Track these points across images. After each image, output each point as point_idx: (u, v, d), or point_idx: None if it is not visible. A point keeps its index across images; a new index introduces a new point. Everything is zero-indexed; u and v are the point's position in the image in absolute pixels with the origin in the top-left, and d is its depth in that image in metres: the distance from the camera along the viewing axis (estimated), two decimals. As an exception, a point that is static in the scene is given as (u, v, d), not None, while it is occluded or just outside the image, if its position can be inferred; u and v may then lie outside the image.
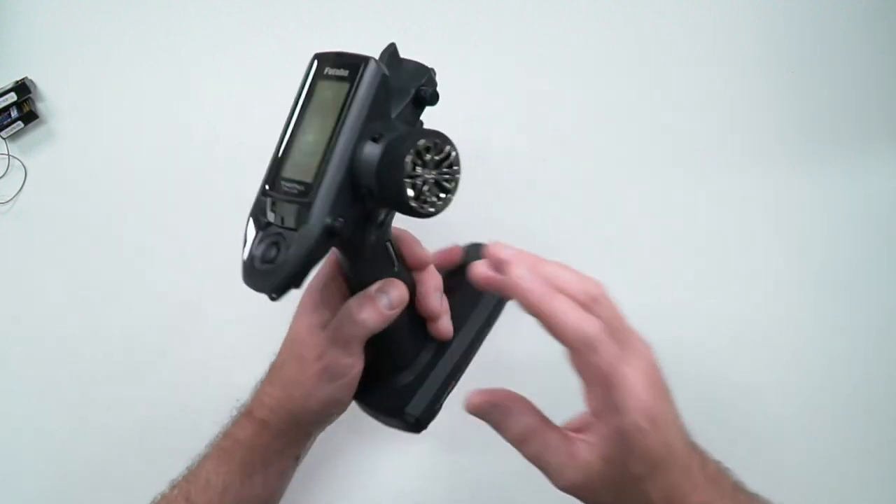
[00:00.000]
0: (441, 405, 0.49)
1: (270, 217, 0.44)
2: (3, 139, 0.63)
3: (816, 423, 0.65)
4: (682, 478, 0.39)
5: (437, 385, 0.48)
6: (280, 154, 0.44)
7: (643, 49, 0.64)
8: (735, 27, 0.64)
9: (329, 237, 0.41)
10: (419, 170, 0.41)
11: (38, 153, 0.64)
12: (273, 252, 0.43)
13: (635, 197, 0.65)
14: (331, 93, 0.43)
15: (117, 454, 0.65)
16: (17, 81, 0.62)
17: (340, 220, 0.41)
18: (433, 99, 0.45)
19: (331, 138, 0.41)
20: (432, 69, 0.46)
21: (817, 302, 0.65)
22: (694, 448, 0.42)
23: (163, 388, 0.65)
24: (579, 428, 0.41)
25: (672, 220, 0.65)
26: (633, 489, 0.39)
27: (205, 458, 0.51)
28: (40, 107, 0.64)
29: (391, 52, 0.46)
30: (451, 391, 0.49)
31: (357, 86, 0.41)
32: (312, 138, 0.43)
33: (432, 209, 0.42)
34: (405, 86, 0.45)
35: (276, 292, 0.43)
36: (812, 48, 0.64)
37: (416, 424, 0.48)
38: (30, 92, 0.63)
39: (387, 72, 0.42)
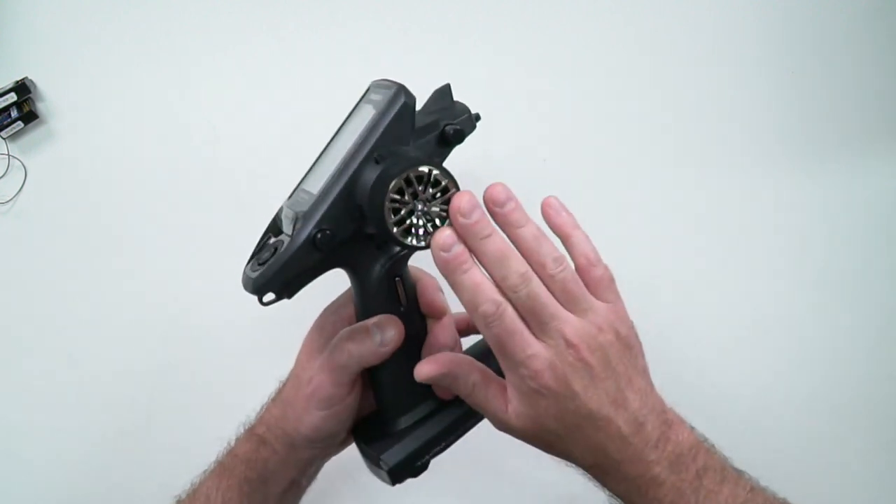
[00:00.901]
0: (425, 463, 0.47)
1: (283, 225, 0.45)
2: (3, 139, 0.63)
3: (817, 423, 0.65)
4: (616, 447, 0.42)
5: (421, 440, 0.47)
6: (309, 168, 0.46)
7: (643, 49, 0.64)
8: (735, 27, 0.64)
9: (312, 246, 0.42)
10: (408, 197, 0.41)
11: (38, 153, 0.64)
12: (267, 255, 0.43)
13: (635, 197, 0.65)
14: (362, 114, 0.44)
15: (116, 459, 0.65)
16: (17, 81, 0.62)
17: (327, 231, 0.42)
18: (455, 137, 0.45)
19: (344, 155, 0.42)
20: (476, 114, 0.47)
21: (817, 302, 0.65)
22: (648, 425, 0.43)
23: (164, 389, 0.65)
24: (506, 382, 0.44)
25: (672, 220, 0.65)
26: (554, 443, 0.43)
27: (208, 474, 0.51)
28: (40, 107, 0.64)
29: (443, 90, 0.47)
30: (439, 452, 0.47)
31: (379, 109, 0.42)
32: (333, 155, 0.44)
33: (418, 242, 0.42)
34: (437, 121, 0.45)
35: (257, 293, 0.43)
36: (812, 48, 0.64)
37: (390, 474, 0.46)
38: (30, 92, 0.63)
39: (410, 101, 0.42)
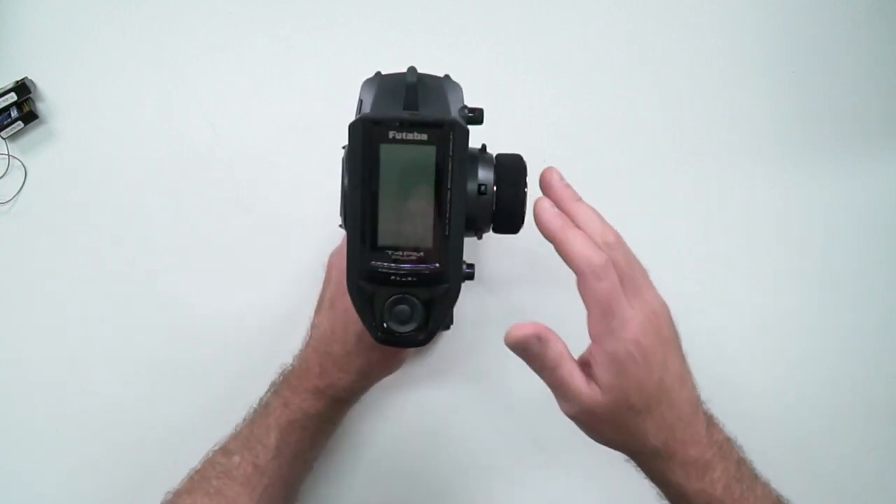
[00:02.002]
0: None
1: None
2: (3, 139, 0.63)
3: (817, 423, 0.65)
4: (682, 427, 0.43)
5: None
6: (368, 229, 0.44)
7: (643, 49, 0.64)
8: (735, 27, 0.64)
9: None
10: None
11: (38, 153, 0.64)
12: (412, 312, 0.45)
13: (635, 197, 0.65)
14: (413, 156, 0.43)
15: (119, 459, 0.65)
16: (17, 81, 0.62)
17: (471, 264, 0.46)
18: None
19: (437, 202, 0.43)
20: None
21: (818, 302, 0.65)
22: (701, 410, 0.45)
23: (164, 389, 0.65)
24: (586, 361, 0.44)
25: (672, 220, 0.65)
26: (631, 423, 0.43)
27: (268, 428, 0.54)
28: (40, 107, 0.64)
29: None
30: None
31: (452, 149, 0.43)
32: (411, 204, 0.43)
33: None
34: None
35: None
36: (812, 48, 0.64)
37: None
38: (30, 92, 0.63)
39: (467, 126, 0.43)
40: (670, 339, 0.44)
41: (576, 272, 0.42)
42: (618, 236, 0.44)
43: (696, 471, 0.44)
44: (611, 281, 0.42)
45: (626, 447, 0.46)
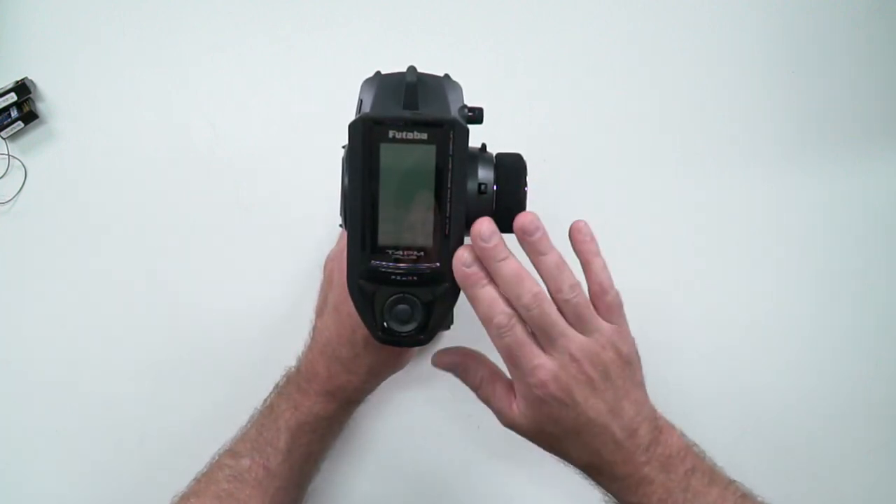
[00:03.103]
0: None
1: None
2: (3, 139, 0.63)
3: (817, 423, 0.65)
4: (610, 450, 0.46)
5: None
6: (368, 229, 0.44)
7: (643, 49, 0.64)
8: (735, 27, 0.64)
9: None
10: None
11: (38, 153, 0.64)
12: (413, 311, 0.46)
13: (635, 197, 0.65)
14: (413, 156, 0.43)
15: (119, 460, 0.65)
16: (17, 81, 0.62)
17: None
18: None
19: (437, 201, 0.43)
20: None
21: (818, 301, 0.65)
22: (642, 429, 0.47)
23: (164, 389, 0.65)
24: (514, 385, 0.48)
25: (672, 220, 0.65)
26: (554, 444, 0.48)
27: (278, 431, 0.55)
28: (40, 107, 0.64)
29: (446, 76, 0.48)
30: None
31: (452, 148, 0.43)
32: (411, 204, 0.44)
33: None
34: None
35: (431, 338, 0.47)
36: (812, 48, 0.64)
37: None
38: (30, 92, 0.63)
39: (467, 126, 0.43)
40: (599, 379, 0.45)
41: (485, 328, 0.46)
42: (535, 296, 0.45)
43: (629, 485, 0.47)
44: (513, 337, 0.45)
45: (560, 457, 0.49)
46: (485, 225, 0.44)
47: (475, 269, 0.45)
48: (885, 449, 0.65)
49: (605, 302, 0.47)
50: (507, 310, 0.45)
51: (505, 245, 0.45)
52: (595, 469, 0.48)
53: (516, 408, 0.47)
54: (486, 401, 0.49)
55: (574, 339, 0.45)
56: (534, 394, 0.45)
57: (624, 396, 0.47)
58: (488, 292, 0.45)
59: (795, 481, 0.65)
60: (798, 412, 0.65)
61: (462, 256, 0.45)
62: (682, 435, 0.50)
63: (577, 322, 0.46)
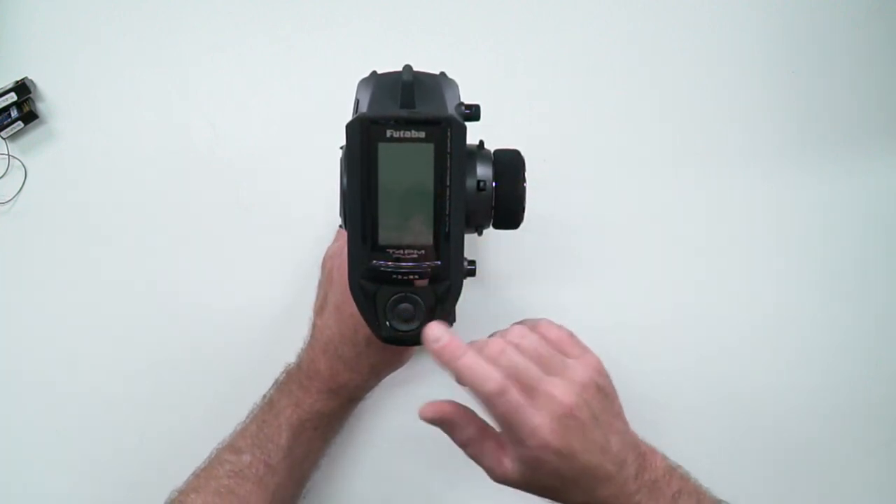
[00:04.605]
0: None
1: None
2: (3, 139, 0.63)
3: (817, 424, 0.65)
4: (604, 486, 0.45)
5: None
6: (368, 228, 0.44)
7: (643, 49, 0.64)
8: (735, 27, 0.64)
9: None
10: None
11: (38, 153, 0.64)
12: (415, 309, 0.45)
13: (635, 197, 0.65)
14: (411, 155, 0.43)
15: (119, 458, 0.65)
16: (17, 81, 0.62)
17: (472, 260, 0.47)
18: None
19: (437, 199, 0.43)
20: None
21: (818, 302, 0.65)
22: (629, 459, 0.46)
23: (164, 388, 0.65)
24: (505, 443, 0.46)
25: (672, 220, 0.65)
26: (549, 493, 0.46)
27: (279, 427, 0.54)
28: (40, 107, 0.64)
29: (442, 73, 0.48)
30: None
31: (450, 146, 0.42)
32: (410, 203, 0.44)
33: None
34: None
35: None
36: (812, 48, 0.64)
37: None
38: (30, 92, 0.63)
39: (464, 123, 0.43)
40: (588, 421, 0.44)
41: (477, 399, 0.44)
42: (502, 350, 0.44)
43: None
44: (509, 403, 0.43)
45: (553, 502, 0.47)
46: (432, 329, 0.44)
47: (446, 340, 0.44)
48: (885, 449, 0.65)
49: (552, 340, 0.46)
50: (496, 374, 0.43)
51: (459, 343, 0.44)
52: None
53: (509, 465, 0.45)
54: (476, 459, 0.47)
55: (553, 382, 0.44)
56: (535, 456, 0.44)
57: (609, 431, 0.45)
58: (467, 361, 0.43)
59: (795, 482, 0.65)
60: (798, 412, 0.65)
61: (429, 334, 0.44)
62: (665, 458, 0.49)
63: (543, 365, 0.44)
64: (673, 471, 0.48)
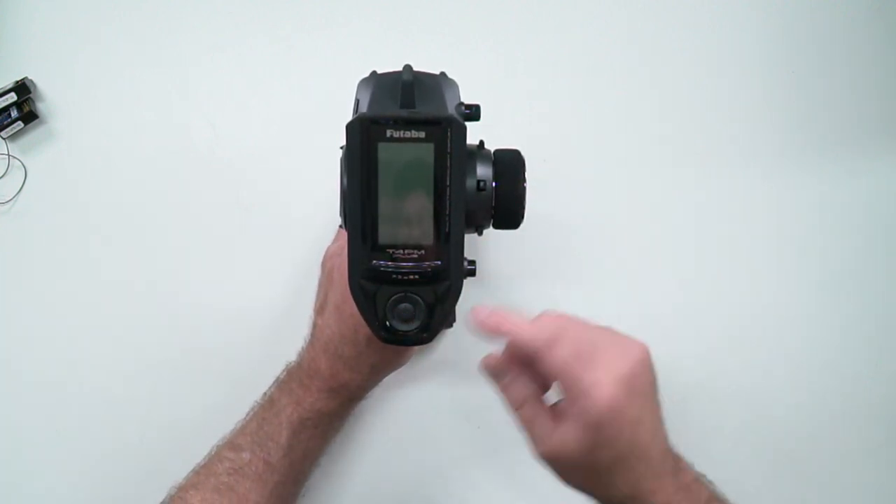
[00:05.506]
0: None
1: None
2: (3, 139, 0.63)
3: (817, 423, 0.65)
4: (649, 477, 0.43)
5: None
6: (367, 227, 0.44)
7: (643, 48, 0.64)
8: (735, 27, 0.64)
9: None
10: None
11: (38, 153, 0.64)
12: (415, 311, 0.45)
13: (636, 197, 0.65)
14: (412, 154, 0.43)
15: (119, 457, 0.65)
16: (17, 81, 0.62)
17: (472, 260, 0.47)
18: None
19: (437, 199, 0.43)
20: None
21: (818, 302, 0.65)
22: (669, 455, 0.45)
23: (165, 388, 0.65)
24: (563, 409, 0.44)
25: (672, 220, 0.65)
26: (599, 475, 0.44)
27: (280, 426, 0.54)
28: (40, 107, 0.64)
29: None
30: None
31: (450, 146, 0.42)
32: (410, 202, 0.44)
33: None
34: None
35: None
36: (812, 48, 0.64)
37: None
38: (30, 92, 0.63)
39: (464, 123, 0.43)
40: (645, 393, 0.43)
41: (532, 352, 0.44)
42: (557, 314, 0.44)
43: None
44: (564, 350, 0.42)
45: (594, 494, 0.46)
46: (478, 310, 0.45)
47: (489, 312, 0.45)
48: (885, 449, 0.65)
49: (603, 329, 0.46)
50: (552, 325, 0.44)
51: (507, 312, 0.45)
52: (634, 499, 0.44)
53: (562, 434, 0.43)
54: (528, 423, 0.45)
55: (617, 348, 0.43)
56: (597, 416, 0.41)
57: (659, 417, 0.44)
58: (518, 319, 0.44)
59: (795, 481, 0.65)
60: (797, 412, 0.65)
61: (478, 311, 0.45)
62: (691, 465, 0.48)
63: (606, 343, 0.44)
64: (700, 478, 0.47)
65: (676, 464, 0.46)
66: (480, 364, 0.47)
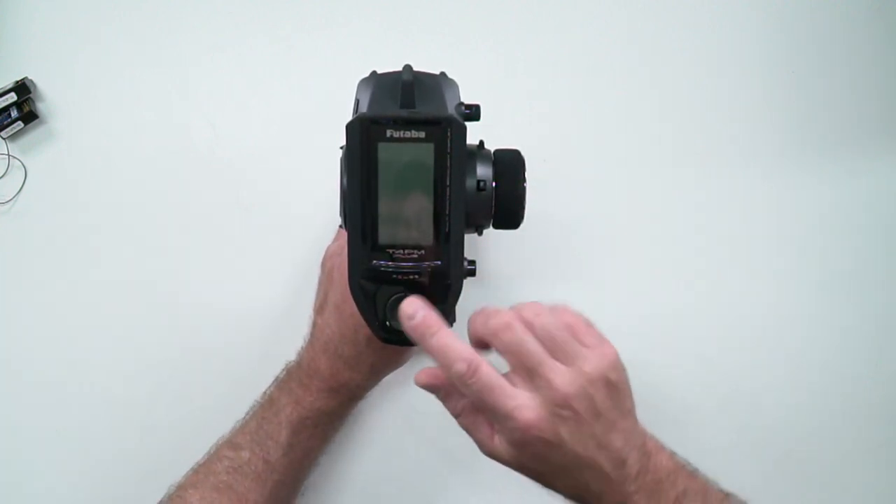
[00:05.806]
0: None
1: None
2: (3, 139, 0.63)
3: (817, 423, 0.65)
4: (598, 482, 0.44)
5: None
6: (367, 227, 0.44)
7: (643, 49, 0.64)
8: (735, 27, 0.64)
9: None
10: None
11: (38, 153, 0.64)
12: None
13: (636, 197, 0.65)
14: (411, 155, 0.43)
15: (119, 456, 0.65)
16: (17, 81, 0.62)
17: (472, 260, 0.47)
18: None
19: (437, 199, 0.43)
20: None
21: (818, 302, 0.65)
22: (627, 463, 0.44)
23: (165, 388, 0.65)
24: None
25: (672, 220, 0.65)
26: (537, 477, 0.45)
27: (279, 425, 0.54)
28: (40, 107, 0.64)
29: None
30: None
31: (450, 146, 0.42)
32: (410, 202, 0.44)
33: None
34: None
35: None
36: (812, 48, 0.64)
37: None
38: (30, 92, 0.63)
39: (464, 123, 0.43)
40: (586, 413, 0.42)
41: (448, 374, 0.43)
42: (507, 323, 0.43)
43: None
44: (479, 383, 0.41)
45: (545, 488, 0.46)
46: (408, 304, 0.43)
47: (421, 315, 0.43)
48: (885, 449, 0.65)
49: (567, 324, 0.44)
50: (466, 354, 0.42)
51: (433, 320, 0.43)
52: (582, 500, 0.45)
53: (497, 442, 0.44)
54: (468, 429, 0.46)
55: (555, 370, 0.42)
56: (516, 436, 0.42)
57: (611, 428, 0.43)
58: (438, 339, 0.42)
59: (794, 481, 0.65)
60: (797, 412, 0.65)
61: (404, 309, 0.43)
62: (673, 455, 0.47)
63: (555, 349, 0.42)
64: (679, 470, 0.47)
65: (644, 464, 0.45)
66: (415, 379, 0.46)
